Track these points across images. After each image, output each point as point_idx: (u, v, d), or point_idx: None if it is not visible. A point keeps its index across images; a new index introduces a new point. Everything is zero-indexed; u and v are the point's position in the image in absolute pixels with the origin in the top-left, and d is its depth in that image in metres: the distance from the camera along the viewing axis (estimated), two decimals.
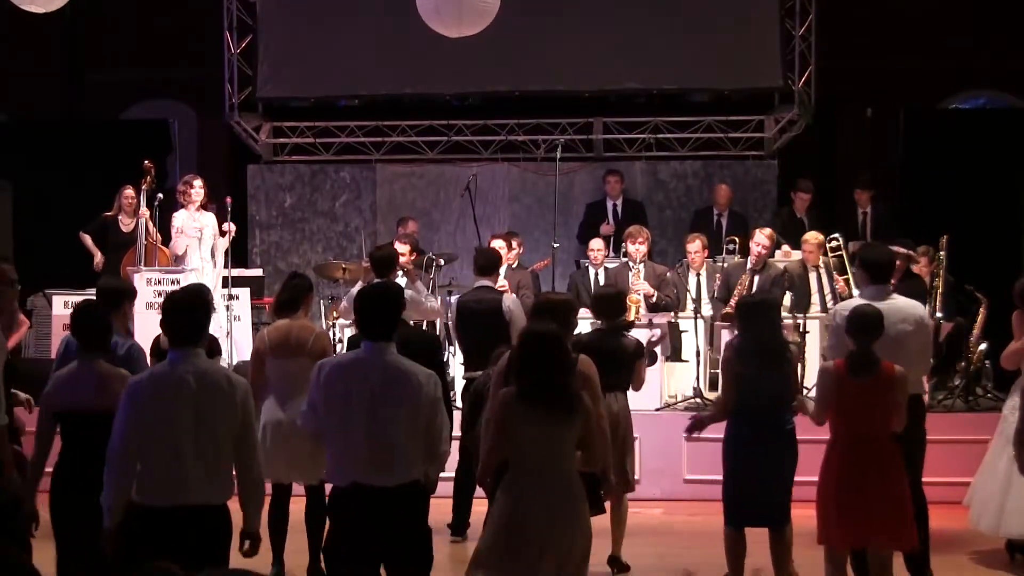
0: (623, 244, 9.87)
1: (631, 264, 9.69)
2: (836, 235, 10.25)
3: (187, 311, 4.72)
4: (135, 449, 4.55)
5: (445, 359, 9.94)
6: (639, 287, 9.56)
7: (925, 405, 6.45)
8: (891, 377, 5.58)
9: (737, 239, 10.55)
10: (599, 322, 7.05)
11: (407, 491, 4.74)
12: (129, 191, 10.49)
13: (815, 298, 10.23)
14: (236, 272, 10.34)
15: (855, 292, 9.81)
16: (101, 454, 4.66)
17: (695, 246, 10.23)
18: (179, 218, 10.10)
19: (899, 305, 6.33)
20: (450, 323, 9.29)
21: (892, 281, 6.59)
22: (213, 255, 10.12)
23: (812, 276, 10.22)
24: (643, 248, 9.67)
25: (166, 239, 10.44)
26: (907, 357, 6.11)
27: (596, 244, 10.62)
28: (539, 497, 4.70)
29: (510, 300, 7.64)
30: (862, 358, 5.60)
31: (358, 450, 4.70)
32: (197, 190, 10.06)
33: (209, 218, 10.14)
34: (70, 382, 5.26)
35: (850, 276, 10.02)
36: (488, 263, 7.79)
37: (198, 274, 9.89)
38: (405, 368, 4.78)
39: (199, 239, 10.04)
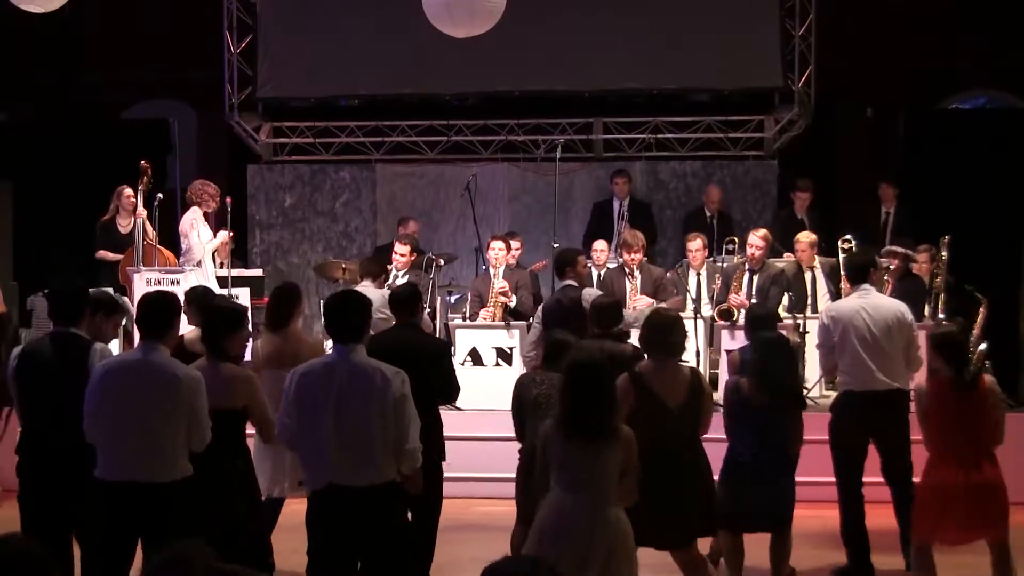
0: (619, 252, 9.86)
1: (627, 272, 9.68)
2: (848, 236, 10.26)
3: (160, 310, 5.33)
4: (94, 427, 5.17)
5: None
6: (637, 302, 9.51)
7: (910, 401, 6.52)
8: (990, 390, 5.81)
9: (736, 239, 10.56)
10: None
11: (381, 491, 4.78)
12: (128, 191, 10.48)
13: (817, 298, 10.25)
14: (236, 272, 10.35)
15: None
16: (226, 449, 5.39)
17: (696, 244, 10.23)
18: (196, 222, 10.10)
19: (880, 304, 6.66)
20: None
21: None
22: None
23: (807, 276, 10.23)
24: (639, 256, 9.66)
25: (164, 239, 10.44)
26: (893, 353, 6.53)
27: (599, 245, 10.60)
28: (575, 518, 4.71)
29: (587, 294, 7.60)
30: (961, 376, 5.77)
31: (329, 451, 4.75)
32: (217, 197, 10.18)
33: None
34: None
35: None
36: (558, 263, 7.80)
37: (200, 274, 9.91)
38: (370, 366, 4.85)
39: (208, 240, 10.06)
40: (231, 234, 10.12)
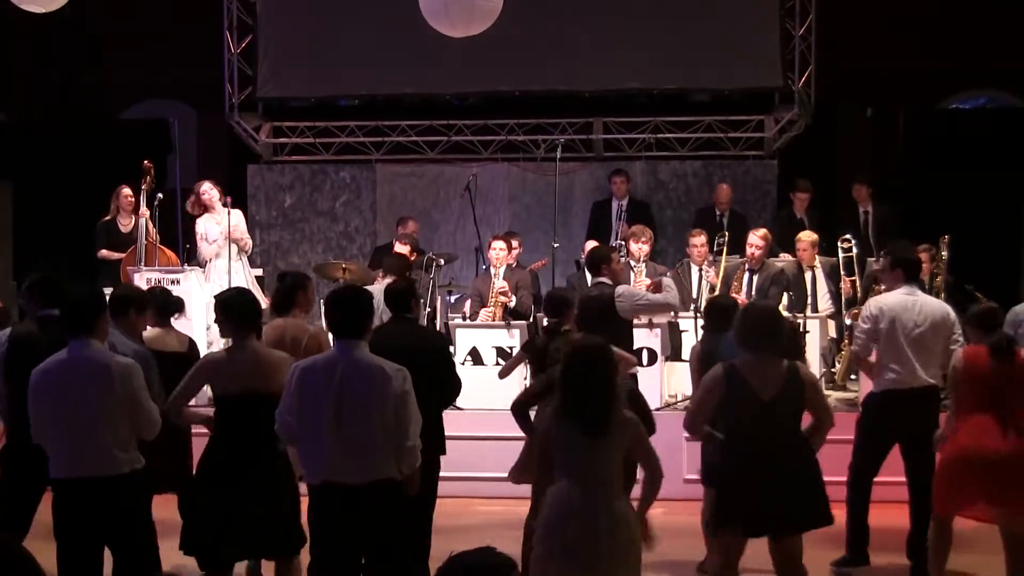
0: (626, 243, 9.82)
1: (632, 264, 9.65)
2: (848, 236, 10.26)
3: (83, 306, 5.26)
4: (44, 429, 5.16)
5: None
6: (642, 283, 9.50)
7: (942, 399, 6.65)
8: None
9: (726, 235, 10.54)
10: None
11: (379, 489, 4.77)
12: (126, 190, 10.48)
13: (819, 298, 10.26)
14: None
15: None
16: (255, 436, 5.29)
17: (699, 240, 10.24)
18: (201, 224, 10.16)
19: (928, 303, 6.72)
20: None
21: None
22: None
23: (807, 276, 10.24)
24: (646, 248, 9.60)
25: (165, 239, 10.46)
26: (930, 350, 6.57)
27: (591, 245, 10.57)
28: (580, 509, 4.68)
29: (621, 292, 7.58)
30: (999, 343, 5.91)
31: (328, 447, 4.75)
32: (207, 193, 10.15)
33: (235, 216, 10.17)
34: (227, 365, 5.55)
35: (857, 278, 10.03)
36: (592, 260, 7.81)
37: (231, 277, 9.96)
38: (372, 363, 4.84)
39: (221, 242, 10.09)
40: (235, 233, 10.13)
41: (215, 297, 6.37)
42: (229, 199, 10.19)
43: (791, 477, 5.23)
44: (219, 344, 9.79)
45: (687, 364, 9.50)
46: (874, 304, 6.81)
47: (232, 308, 5.73)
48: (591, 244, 10.61)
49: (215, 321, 6.13)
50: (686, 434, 8.32)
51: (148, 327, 6.76)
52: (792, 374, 5.33)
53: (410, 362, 5.02)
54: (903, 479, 6.71)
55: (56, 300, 5.94)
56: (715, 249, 10.25)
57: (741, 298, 9.42)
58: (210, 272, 10.14)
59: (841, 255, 10.23)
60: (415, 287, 6.69)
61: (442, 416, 6.31)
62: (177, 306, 7.02)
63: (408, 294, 6.42)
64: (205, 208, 10.18)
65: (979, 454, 5.80)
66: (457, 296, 11.02)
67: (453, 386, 6.39)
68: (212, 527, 5.47)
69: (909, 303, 6.62)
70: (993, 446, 5.79)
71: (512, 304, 9.86)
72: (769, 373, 5.30)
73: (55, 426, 5.11)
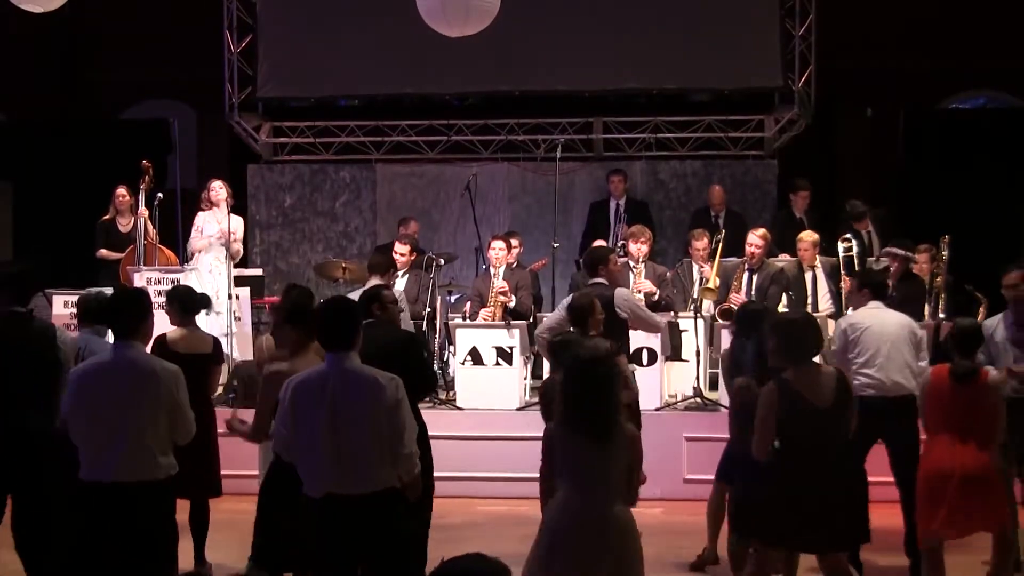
0: (625, 244, 9.83)
1: (632, 264, 9.65)
2: (848, 235, 10.26)
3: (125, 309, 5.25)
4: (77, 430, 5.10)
5: (444, 358, 9.99)
6: (641, 286, 9.52)
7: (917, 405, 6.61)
8: (991, 384, 5.95)
9: (721, 232, 10.54)
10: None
11: (381, 499, 4.74)
12: (121, 191, 10.50)
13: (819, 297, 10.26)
14: (236, 272, 10.37)
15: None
16: None
17: (702, 243, 10.24)
18: (201, 217, 10.29)
19: (890, 314, 6.89)
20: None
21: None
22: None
23: (808, 276, 10.24)
24: (645, 248, 9.61)
25: (165, 239, 10.48)
26: (898, 355, 6.71)
27: (598, 244, 10.59)
28: (583, 518, 4.67)
29: (620, 296, 7.57)
30: (958, 370, 5.96)
31: (327, 460, 4.72)
32: (215, 191, 10.26)
33: (235, 221, 10.27)
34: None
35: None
36: (590, 261, 7.84)
37: (212, 275, 10.04)
38: (364, 374, 4.81)
39: (217, 238, 10.18)
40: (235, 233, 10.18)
41: (286, 301, 6.34)
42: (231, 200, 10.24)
43: (840, 493, 5.24)
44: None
45: (687, 364, 9.55)
46: (842, 321, 7.06)
47: (302, 317, 5.68)
48: (598, 243, 10.63)
49: (274, 324, 6.08)
50: (686, 434, 8.34)
51: (172, 327, 6.71)
52: (840, 382, 5.36)
53: (382, 362, 4.97)
54: None
55: (25, 298, 5.94)
56: (712, 247, 10.28)
57: (742, 297, 9.42)
58: (195, 264, 10.23)
59: (841, 255, 10.23)
60: (380, 292, 6.60)
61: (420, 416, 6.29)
62: (203, 303, 6.87)
63: (372, 299, 6.37)
64: (212, 204, 10.26)
65: (945, 473, 5.87)
66: (457, 296, 11.03)
67: (429, 380, 6.45)
68: (282, 537, 5.44)
69: (874, 313, 6.83)
70: (957, 465, 5.85)
71: (512, 304, 9.86)
72: (819, 381, 5.31)
73: (95, 429, 5.05)
